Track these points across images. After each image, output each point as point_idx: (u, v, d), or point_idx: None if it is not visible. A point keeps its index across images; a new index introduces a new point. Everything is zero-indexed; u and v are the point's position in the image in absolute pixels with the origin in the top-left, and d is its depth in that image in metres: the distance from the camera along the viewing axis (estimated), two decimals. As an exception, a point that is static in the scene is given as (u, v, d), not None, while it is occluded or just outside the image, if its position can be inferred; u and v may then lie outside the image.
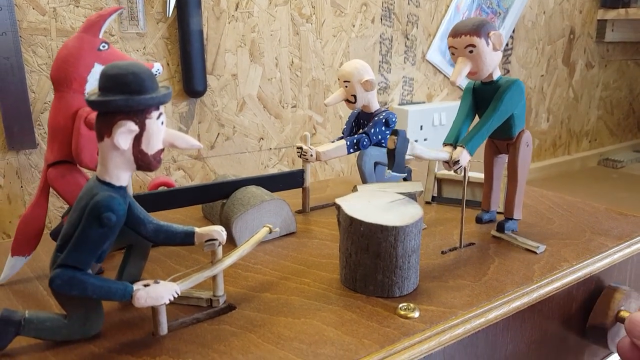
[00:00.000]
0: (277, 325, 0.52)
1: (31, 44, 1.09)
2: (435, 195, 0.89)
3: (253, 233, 0.68)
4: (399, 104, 1.68)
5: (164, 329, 0.51)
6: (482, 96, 0.69)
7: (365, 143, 0.85)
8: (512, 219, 0.73)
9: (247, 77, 1.36)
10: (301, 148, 0.79)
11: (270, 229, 0.61)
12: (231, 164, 1.39)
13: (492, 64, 0.65)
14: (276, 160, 1.47)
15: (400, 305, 0.54)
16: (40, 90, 1.12)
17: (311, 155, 0.79)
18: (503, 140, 0.72)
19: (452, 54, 0.66)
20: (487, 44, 0.63)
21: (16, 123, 1.10)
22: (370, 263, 0.56)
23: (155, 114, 0.47)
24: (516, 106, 0.68)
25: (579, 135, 2.44)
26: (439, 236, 0.74)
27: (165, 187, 1.23)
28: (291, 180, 0.82)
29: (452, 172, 0.79)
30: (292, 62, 1.43)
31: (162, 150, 0.49)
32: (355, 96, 0.84)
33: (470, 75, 0.66)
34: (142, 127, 0.46)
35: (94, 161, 0.62)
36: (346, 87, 0.83)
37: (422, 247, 0.69)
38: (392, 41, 1.61)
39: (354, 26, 1.52)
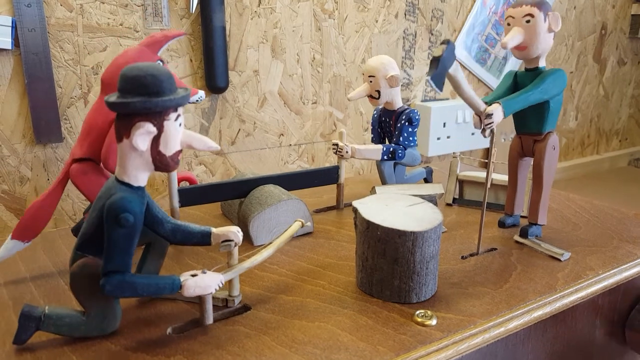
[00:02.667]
0: (291, 328, 0.51)
1: (59, 40, 1.10)
2: (457, 197, 0.88)
3: (277, 232, 0.68)
4: (422, 101, 1.66)
5: (210, 318, 0.51)
6: (523, 84, 0.67)
7: (400, 154, 0.84)
8: (536, 224, 0.71)
9: (269, 73, 1.36)
10: (337, 144, 0.79)
11: (302, 223, 0.61)
12: (251, 160, 1.39)
13: (543, 44, 0.64)
14: (296, 157, 1.47)
15: (417, 312, 0.53)
16: (67, 85, 1.14)
17: (347, 152, 0.79)
18: (531, 135, 0.70)
19: (508, 24, 0.65)
20: (545, 20, 0.63)
21: (44, 117, 1.12)
22: (387, 268, 0.55)
23: (173, 115, 0.47)
24: (556, 93, 0.66)
25: (609, 134, 2.37)
26: (460, 240, 0.73)
27: (187, 182, 1.24)
28: (326, 176, 0.82)
29: (472, 174, 0.77)
30: (314, 58, 1.42)
31: (180, 151, 0.49)
32: (379, 92, 0.82)
33: (519, 49, 0.65)
34: (160, 129, 0.46)
35: None
36: (371, 82, 0.82)
37: (441, 251, 0.68)
38: (415, 36, 1.58)
39: (377, 22, 1.50)
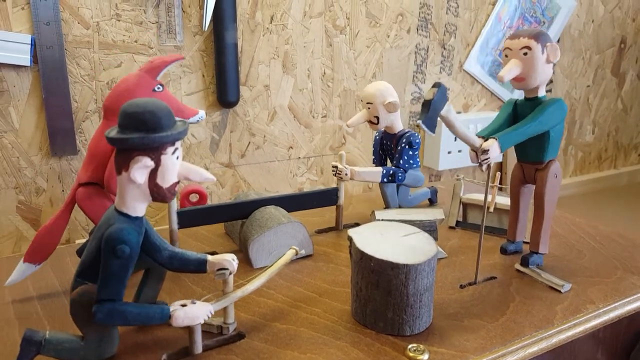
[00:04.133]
0: (283, 359, 0.52)
1: (75, 57, 1.13)
2: (460, 220, 0.88)
3: (276, 255, 0.69)
4: (434, 115, 1.65)
5: (198, 347, 0.52)
6: (523, 113, 0.67)
7: (400, 177, 0.84)
8: (537, 252, 0.71)
9: (279, 88, 1.37)
10: (336, 167, 0.80)
11: (296, 251, 0.62)
12: (261, 173, 1.41)
13: (541, 75, 0.64)
14: (305, 169, 1.48)
15: (410, 346, 0.53)
16: (82, 100, 1.16)
17: (346, 175, 0.80)
18: (532, 164, 0.70)
19: (505, 56, 0.65)
20: (543, 52, 0.63)
21: (59, 131, 1.15)
22: (380, 299, 0.56)
23: (170, 149, 0.48)
24: (555, 123, 0.66)
25: (627, 149, 2.33)
26: (459, 267, 0.72)
27: (197, 194, 1.26)
28: (325, 197, 0.82)
29: (476, 197, 0.77)
30: (324, 73, 1.43)
31: (177, 182, 0.50)
32: (378, 117, 0.83)
33: (517, 80, 0.65)
34: (158, 163, 0.47)
35: None
36: (369, 108, 0.83)
37: (439, 279, 0.68)
38: (427, 51, 1.58)
39: (388, 37, 1.50)
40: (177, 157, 0.49)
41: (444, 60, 1.63)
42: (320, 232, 0.85)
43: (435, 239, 0.74)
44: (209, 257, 0.55)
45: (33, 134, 1.12)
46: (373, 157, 0.91)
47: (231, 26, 1.24)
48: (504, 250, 0.76)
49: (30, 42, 1.06)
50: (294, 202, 0.79)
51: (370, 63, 1.50)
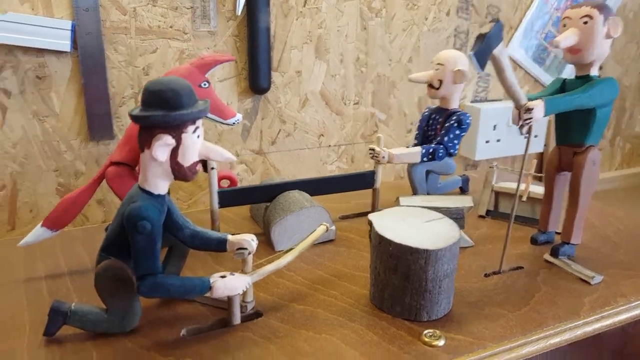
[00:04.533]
0: (298, 338, 0.52)
1: (113, 42, 1.17)
2: (491, 209, 0.85)
3: (297, 239, 0.69)
4: (472, 101, 1.61)
5: (237, 318, 0.54)
6: (571, 90, 0.64)
7: (441, 154, 0.82)
8: (568, 243, 0.68)
9: (311, 74, 1.37)
10: (374, 149, 0.79)
11: (327, 227, 0.62)
12: (290, 160, 1.41)
13: (598, 49, 0.61)
14: (335, 158, 1.47)
15: (426, 332, 0.53)
16: (119, 85, 1.20)
17: (383, 157, 0.79)
18: (571, 147, 0.67)
19: (564, 25, 0.63)
20: (604, 24, 0.60)
21: (97, 116, 1.19)
22: (398, 284, 0.55)
23: (191, 128, 0.49)
24: (604, 102, 0.63)
25: (682, 140, 2.20)
26: (486, 256, 0.71)
27: (228, 181, 1.28)
28: (362, 181, 0.82)
29: (508, 186, 0.75)
30: (358, 57, 1.42)
31: (199, 162, 0.51)
32: (441, 82, 0.81)
33: (572, 52, 0.62)
34: (179, 141, 0.48)
35: None
36: (437, 69, 0.81)
37: (464, 267, 0.66)
38: (468, 35, 1.54)
39: (426, 19, 1.47)
40: (198, 136, 0.50)
41: (483, 45, 1.58)
42: (344, 218, 0.84)
43: (462, 227, 0.72)
44: (230, 237, 0.55)
45: (72, 119, 1.16)
46: (417, 132, 0.89)
47: (264, 10, 1.24)
48: (534, 241, 0.73)
49: (70, 28, 1.09)
50: (329, 185, 0.79)
51: (407, 47, 1.47)
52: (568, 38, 0.61)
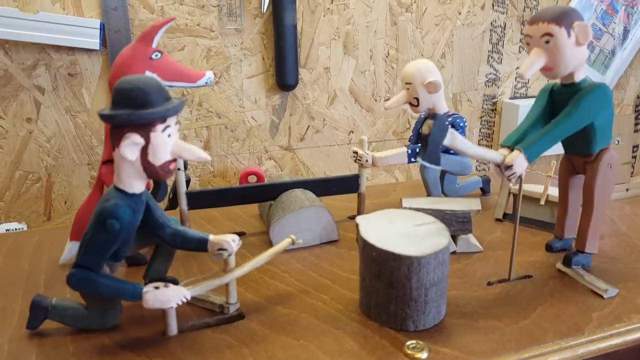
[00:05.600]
0: (274, 343, 0.51)
1: (141, 40, 1.20)
2: (509, 212, 0.80)
3: (302, 235, 0.68)
4: (510, 98, 1.53)
5: (172, 330, 0.53)
6: (560, 101, 0.59)
7: None
8: (583, 252, 0.62)
9: (340, 70, 1.34)
10: (357, 152, 0.76)
11: (293, 240, 0.60)
12: (320, 157, 1.39)
13: (572, 61, 0.56)
14: (366, 155, 1.44)
15: (409, 343, 0.50)
16: (147, 83, 1.23)
17: (366, 161, 0.76)
18: (579, 157, 0.61)
19: (527, 44, 0.58)
20: (569, 35, 0.54)
21: (126, 112, 1.22)
22: (382, 291, 0.52)
23: (160, 127, 0.48)
24: (597, 115, 0.57)
25: None
26: (494, 263, 0.66)
27: (255, 176, 1.28)
28: (346, 184, 0.79)
29: (528, 188, 0.70)
30: (388, 53, 1.38)
31: (172, 161, 0.50)
32: (417, 99, 0.78)
33: (545, 71, 0.57)
34: (147, 140, 0.48)
35: None
36: (408, 89, 0.78)
37: (468, 274, 0.62)
38: (505, 28, 1.46)
39: (460, 13, 1.41)
40: (169, 135, 0.49)
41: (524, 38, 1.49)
42: (353, 217, 0.82)
43: (469, 231, 0.68)
44: (211, 237, 0.55)
45: (104, 115, 1.21)
46: (411, 134, 0.86)
47: (290, 7, 1.23)
48: (549, 247, 0.68)
49: (99, 27, 1.13)
50: (312, 188, 0.77)
51: (439, 42, 1.41)
52: (533, 64, 0.55)
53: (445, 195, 0.86)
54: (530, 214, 0.77)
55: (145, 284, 0.58)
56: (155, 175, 0.50)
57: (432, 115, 0.53)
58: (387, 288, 0.52)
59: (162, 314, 0.53)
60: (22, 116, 1.15)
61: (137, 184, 0.50)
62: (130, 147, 0.47)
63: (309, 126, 1.37)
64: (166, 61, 0.65)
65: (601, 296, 0.57)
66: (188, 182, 0.88)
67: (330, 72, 1.35)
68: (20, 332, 0.54)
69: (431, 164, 0.54)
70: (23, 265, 0.68)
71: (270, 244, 0.70)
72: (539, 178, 0.91)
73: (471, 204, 0.69)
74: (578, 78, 0.58)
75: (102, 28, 1.15)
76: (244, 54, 1.27)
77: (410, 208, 0.68)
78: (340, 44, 1.34)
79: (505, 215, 0.79)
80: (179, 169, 0.70)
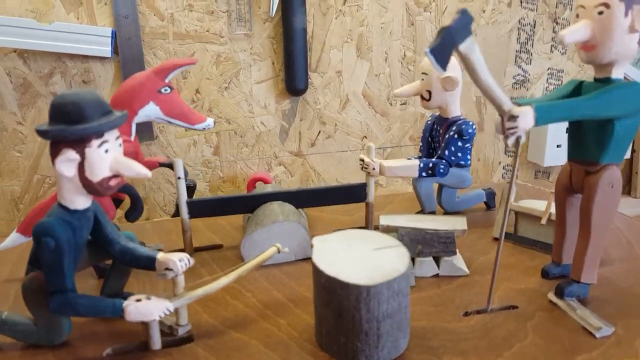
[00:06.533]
0: (215, 373, 0.48)
1: (152, 47, 1.20)
2: (510, 232, 0.73)
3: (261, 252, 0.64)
4: (543, 102, 1.42)
5: (155, 343, 0.51)
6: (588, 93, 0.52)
7: (442, 170, 0.73)
8: (579, 282, 0.55)
9: (352, 74, 1.30)
10: (363, 160, 0.72)
11: (278, 249, 0.57)
12: (331, 162, 1.35)
13: (619, 47, 0.49)
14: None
15: (354, 380, 0.45)
16: (158, 89, 1.23)
17: (373, 169, 0.72)
18: (583, 165, 0.54)
19: (577, 16, 0.51)
20: (626, 14, 0.48)
21: (137, 118, 1.23)
22: (332, 320, 0.48)
23: (96, 142, 0.46)
24: (624, 112, 0.50)
25: None
26: (479, 289, 0.60)
27: (263, 183, 1.26)
28: (352, 193, 0.75)
29: (529, 205, 0.63)
30: (405, 55, 1.32)
31: (111, 177, 0.48)
32: (430, 92, 0.72)
33: (586, 49, 0.50)
34: (83, 156, 0.46)
35: None
36: (422, 79, 0.73)
37: (445, 301, 0.57)
38: (534, 27, 1.36)
39: (484, 11, 1.32)
40: (106, 151, 0.47)
41: (556, 37, 1.38)
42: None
43: (452, 253, 0.62)
44: (159, 256, 0.52)
45: (116, 121, 1.22)
46: (421, 144, 0.80)
47: (299, 11, 1.20)
48: (545, 274, 0.61)
49: (110, 35, 1.14)
50: (315, 197, 0.73)
51: (462, 43, 1.34)
52: (576, 32, 0.49)
53: (444, 210, 0.80)
54: (530, 233, 0.70)
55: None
56: (95, 191, 0.48)
57: (461, 9, 0.46)
58: (337, 318, 0.47)
59: (114, 329, 0.51)
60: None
61: (78, 200, 0.49)
62: (65, 163, 0.46)
63: (320, 131, 1.33)
64: (173, 98, 0.65)
65: (593, 335, 0.50)
66: (194, 188, 0.87)
67: (342, 75, 1.30)
68: (-30, 346, 0.53)
69: (436, 60, 0.45)
70: (2, 274, 0.69)
71: (242, 259, 0.67)
72: (542, 194, 0.83)
73: (456, 223, 0.64)
74: (616, 74, 0.51)
75: (114, 36, 1.16)
76: (253, 59, 1.25)
77: (387, 225, 0.63)
78: (353, 47, 1.29)
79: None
80: (179, 178, 0.69)
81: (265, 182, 1.26)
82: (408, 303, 0.49)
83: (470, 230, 0.73)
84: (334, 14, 1.25)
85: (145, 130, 1.25)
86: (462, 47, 0.46)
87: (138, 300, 0.49)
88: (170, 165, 0.73)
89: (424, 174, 0.74)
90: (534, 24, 1.37)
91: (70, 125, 0.45)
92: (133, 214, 0.67)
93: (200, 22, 1.21)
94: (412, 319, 0.54)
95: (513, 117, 0.48)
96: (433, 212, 0.78)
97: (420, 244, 0.62)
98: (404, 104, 1.35)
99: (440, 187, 0.78)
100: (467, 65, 0.48)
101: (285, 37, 1.22)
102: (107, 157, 0.47)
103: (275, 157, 1.32)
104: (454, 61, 0.71)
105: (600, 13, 0.48)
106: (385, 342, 0.47)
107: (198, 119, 0.67)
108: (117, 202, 0.69)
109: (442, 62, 0.46)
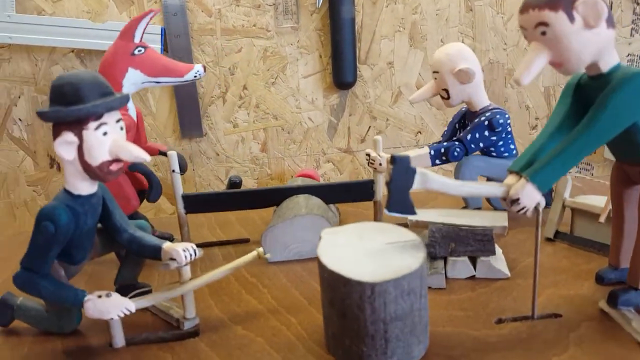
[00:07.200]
0: (212, 369, 0.45)
1: (200, 44, 1.21)
2: (567, 232, 0.64)
3: (293, 250, 0.62)
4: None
5: (117, 342, 0.50)
6: (589, 97, 0.45)
7: (456, 153, 0.66)
8: (637, 289, 0.46)
9: (405, 65, 1.23)
10: (369, 155, 0.67)
11: (259, 254, 0.53)
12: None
13: (587, 49, 0.41)
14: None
15: (356, 388, 0.40)
16: (207, 85, 1.24)
17: (380, 164, 0.66)
18: (632, 165, 0.46)
19: (525, 36, 0.45)
20: (572, 19, 0.40)
21: (187, 115, 1.25)
22: (337, 321, 0.43)
23: (92, 125, 0.45)
24: (635, 114, 0.42)
25: None
26: (518, 294, 0.53)
27: (309, 179, 1.23)
28: (359, 190, 0.70)
29: (588, 201, 0.56)
30: (463, 43, 1.23)
31: (112, 161, 0.47)
32: (447, 90, 0.66)
33: (555, 67, 0.43)
34: (81, 139, 0.45)
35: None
36: (435, 79, 0.66)
37: (477, 306, 0.51)
38: (611, 8, 1.22)
39: (551, -6, 1.21)
40: (105, 133, 0.46)
41: (637, 19, 1.23)
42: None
43: (490, 252, 0.55)
44: (165, 245, 0.50)
45: (167, 117, 1.24)
46: (445, 130, 0.73)
47: (347, 1, 1.15)
48: (600, 279, 0.52)
49: (160, 33, 1.17)
50: (320, 194, 0.68)
51: (526, 29, 1.23)
52: (531, 66, 0.42)
53: (493, 207, 0.73)
54: (587, 233, 0.61)
55: (116, 290, 0.56)
56: (95, 175, 0.47)
57: (391, 158, 0.43)
58: (341, 318, 0.43)
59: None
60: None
61: (81, 185, 0.48)
62: (64, 145, 0.45)
63: (370, 127, 1.28)
64: (151, 56, 0.63)
65: (649, 352, 0.42)
66: (239, 184, 0.85)
67: (394, 67, 1.24)
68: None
69: (402, 213, 0.44)
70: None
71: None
72: (602, 187, 0.72)
73: (495, 219, 0.56)
74: (606, 67, 0.43)
75: (164, 33, 1.18)
76: (300, 53, 1.23)
77: (415, 222, 0.57)
78: (405, 36, 1.23)
79: (557, 234, 0.64)
80: (173, 171, 0.67)
81: (312, 178, 1.23)
82: (424, 305, 0.43)
83: (519, 229, 0.65)
84: (384, 2, 1.20)
85: (195, 128, 1.26)
86: (416, 186, 0.43)
87: (99, 297, 0.47)
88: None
89: (437, 161, 0.67)
90: (611, 5, 1.23)
91: (66, 106, 0.44)
92: (152, 193, 0.66)
93: (247, 16, 1.20)
94: (434, 324, 0.48)
95: (514, 201, 0.42)
96: (479, 209, 0.70)
97: (453, 241, 0.56)
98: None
99: (487, 180, 0.71)
100: (434, 191, 0.43)
101: (332, 29, 1.18)
102: (106, 140, 0.46)
103: (324, 154, 1.29)
104: (465, 50, 0.64)
105: (544, 33, 0.41)
106: (394, 348, 0.42)
107: (185, 69, 0.64)
108: (142, 194, 0.69)
109: (407, 210, 0.44)
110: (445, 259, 0.56)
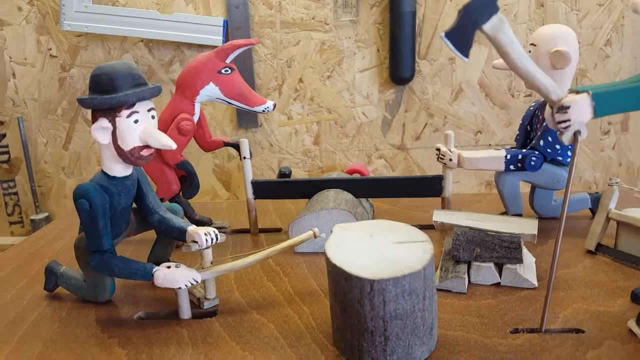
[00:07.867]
0: (221, 350, 0.47)
1: (260, 36, 1.24)
2: (607, 245, 0.59)
3: (317, 242, 0.63)
4: None
5: (184, 313, 0.53)
6: None
7: (533, 163, 0.63)
8: (672, 312, 0.42)
9: (468, 61, 1.19)
10: (439, 149, 0.66)
11: (314, 233, 0.55)
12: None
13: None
14: (494, 159, 1.25)
15: (351, 383, 0.40)
16: (265, 77, 1.27)
17: (450, 160, 0.65)
18: None
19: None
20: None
21: (245, 105, 1.29)
22: (339, 314, 0.44)
23: (125, 112, 0.48)
24: None
25: None
26: (541, 305, 0.50)
27: (358, 174, 1.23)
28: (425, 186, 0.68)
29: (635, 215, 0.52)
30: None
31: (143, 147, 0.50)
32: None
33: None
34: (114, 125, 0.49)
35: (173, 159, 0.68)
36: (529, 52, 0.63)
37: (496, 314, 0.49)
38: None
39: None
40: (136, 121, 0.49)
41: None
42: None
43: (517, 260, 0.52)
44: (190, 228, 0.53)
45: (225, 108, 1.29)
46: (517, 133, 0.70)
47: (408, -6, 1.13)
48: (636, 297, 0.48)
49: (222, 25, 1.21)
50: (382, 188, 0.68)
51: (603, 26, 1.14)
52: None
53: (538, 214, 0.69)
54: (633, 248, 0.56)
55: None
56: (127, 160, 0.50)
57: None
58: (342, 311, 0.43)
59: (157, 296, 0.53)
60: (161, 108, 1.31)
61: (116, 167, 0.51)
62: (99, 130, 0.49)
63: (426, 124, 1.25)
64: (233, 79, 0.67)
65: (673, 382, 0.38)
66: (289, 175, 0.87)
67: (455, 63, 1.21)
68: (35, 290, 0.60)
69: (454, 46, 0.39)
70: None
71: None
72: None
73: (524, 226, 0.54)
74: None
75: (226, 25, 1.22)
76: (357, 47, 1.22)
77: (440, 223, 0.56)
78: (467, 32, 1.18)
79: (599, 246, 0.59)
80: (244, 158, 0.71)
81: (362, 174, 1.23)
82: (428, 307, 0.42)
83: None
84: (447, -4, 1.16)
85: (250, 119, 1.30)
86: (487, 27, 0.39)
87: (168, 268, 0.50)
88: (234, 145, 0.74)
89: (511, 167, 0.64)
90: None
91: (102, 95, 0.47)
92: (188, 190, 0.70)
93: (306, 9, 1.21)
94: (446, 327, 0.47)
95: (563, 108, 0.39)
96: (519, 215, 0.67)
97: (478, 246, 0.54)
98: (529, 95, 1.20)
99: (533, 187, 0.67)
100: (497, 48, 0.40)
101: (391, 22, 1.17)
102: (137, 127, 0.49)
103: (376, 150, 1.28)
104: (571, 36, 0.60)
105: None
106: (394, 347, 0.41)
107: (258, 101, 0.67)
108: (183, 180, 0.72)
109: (462, 47, 0.39)
110: (469, 264, 0.55)
